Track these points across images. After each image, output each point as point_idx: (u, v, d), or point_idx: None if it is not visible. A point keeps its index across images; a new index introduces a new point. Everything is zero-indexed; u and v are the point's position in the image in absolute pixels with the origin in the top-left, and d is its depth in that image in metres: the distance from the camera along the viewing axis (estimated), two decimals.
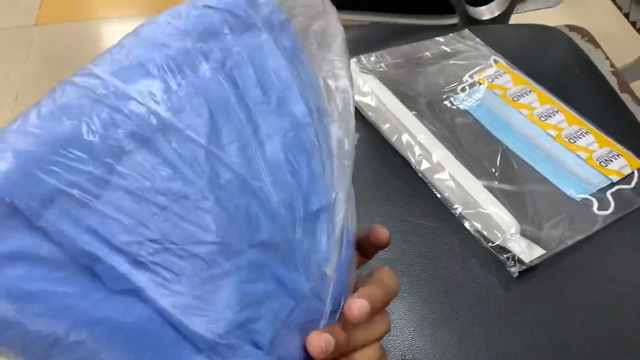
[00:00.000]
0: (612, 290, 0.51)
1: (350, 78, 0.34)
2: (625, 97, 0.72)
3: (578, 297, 0.50)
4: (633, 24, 0.73)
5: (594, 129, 0.63)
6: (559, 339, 0.47)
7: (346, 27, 0.78)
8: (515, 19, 0.88)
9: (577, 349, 0.47)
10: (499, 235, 0.52)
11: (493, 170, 0.58)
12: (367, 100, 0.63)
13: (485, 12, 0.81)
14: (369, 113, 0.63)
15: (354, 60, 0.67)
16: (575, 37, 0.80)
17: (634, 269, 0.53)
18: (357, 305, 0.29)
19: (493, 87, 0.67)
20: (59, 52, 1.44)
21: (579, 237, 0.53)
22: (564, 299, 0.50)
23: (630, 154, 0.61)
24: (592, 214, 0.55)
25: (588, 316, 0.49)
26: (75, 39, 1.48)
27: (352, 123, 0.33)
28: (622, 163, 0.60)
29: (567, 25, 0.83)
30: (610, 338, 0.48)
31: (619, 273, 0.53)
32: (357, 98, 0.64)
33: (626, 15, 0.74)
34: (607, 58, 0.78)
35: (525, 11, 0.87)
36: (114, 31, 1.52)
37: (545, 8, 0.87)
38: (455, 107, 0.64)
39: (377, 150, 0.61)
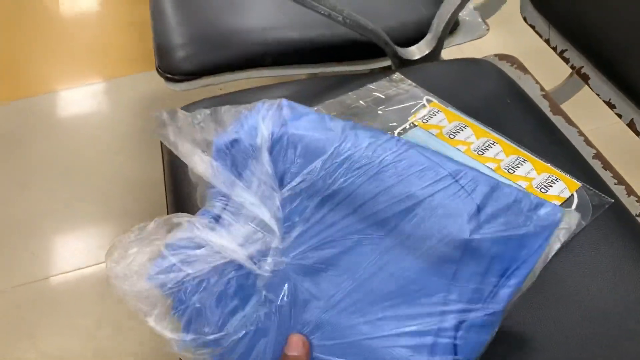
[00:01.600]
0: (572, 321, 0.51)
1: None
2: (557, 119, 0.75)
3: (538, 337, 0.51)
4: (554, 48, 0.76)
5: (530, 156, 0.65)
6: None
7: (283, 84, 0.80)
8: (450, 52, 0.92)
9: None
10: None
11: None
12: None
13: (416, 52, 0.83)
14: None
15: None
16: (505, 66, 0.83)
17: (593, 294, 0.53)
18: None
19: (428, 127, 0.68)
20: (5, 133, 1.43)
21: None
22: (525, 341, 0.50)
23: (567, 176, 0.63)
24: None
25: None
26: (21, 116, 1.47)
27: None
28: (561, 187, 0.62)
29: (496, 55, 0.86)
30: None
31: (576, 301, 0.53)
32: None
33: (547, 42, 0.77)
34: (537, 83, 0.81)
35: (455, 45, 0.90)
36: (58, 104, 1.51)
37: (473, 39, 0.90)
38: None
39: None
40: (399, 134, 0.67)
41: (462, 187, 0.42)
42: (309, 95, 0.75)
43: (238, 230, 0.43)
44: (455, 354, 0.40)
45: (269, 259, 0.43)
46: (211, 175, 0.44)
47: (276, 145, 0.45)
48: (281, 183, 0.44)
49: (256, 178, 0.44)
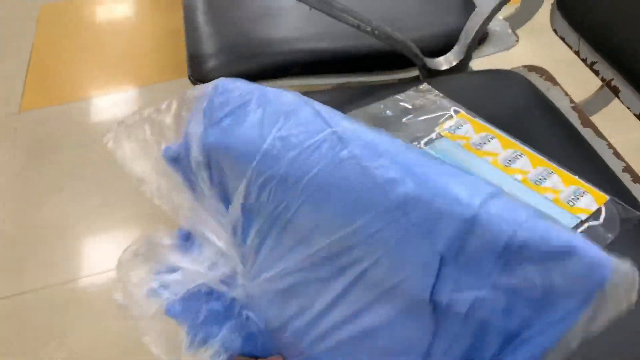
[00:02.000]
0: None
1: None
2: (587, 132, 0.74)
3: None
4: (584, 60, 0.76)
5: (558, 168, 0.65)
6: None
7: (312, 93, 0.81)
8: (479, 63, 0.91)
9: None
10: None
11: None
12: None
13: (444, 63, 0.84)
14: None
15: None
16: (534, 77, 0.83)
17: None
18: None
19: (455, 138, 0.68)
20: (42, 137, 1.48)
21: None
22: None
23: (595, 189, 0.62)
24: None
25: None
26: (58, 121, 1.52)
27: None
28: (588, 200, 0.61)
29: (525, 66, 0.86)
30: None
31: None
32: None
33: (577, 53, 0.77)
34: (567, 95, 0.80)
35: (484, 56, 0.90)
36: (93, 110, 1.56)
37: (502, 51, 0.90)
38: None
39: None
40: (426, 143, 0.68)
41: (414, 224, 0.29)
42: (336, 104, 0.75)
43: (207, 250, 0.40)
44: None
45: (239, 282, 0.39)
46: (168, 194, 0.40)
47: (212, 154, 0.37)
48: (228, 199, 0.37)
49: (206, 198, 0.38)
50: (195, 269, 0.39)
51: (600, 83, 0.78)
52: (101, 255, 1.20)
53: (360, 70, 0.87)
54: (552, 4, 0.82)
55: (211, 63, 0.84)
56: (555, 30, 0.82)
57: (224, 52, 0.84)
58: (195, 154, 0.37)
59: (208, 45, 0.85)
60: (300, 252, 0.34)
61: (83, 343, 1.04)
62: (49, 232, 1.23)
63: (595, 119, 0.80)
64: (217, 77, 0.84)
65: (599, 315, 0.27)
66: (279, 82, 0.84)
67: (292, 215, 0.34)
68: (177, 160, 0.38)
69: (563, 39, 0.80)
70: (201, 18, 0.90)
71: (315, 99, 0.79)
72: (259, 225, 0.36)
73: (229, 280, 0.39)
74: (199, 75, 0.85)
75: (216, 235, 0.39)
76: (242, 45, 0.84)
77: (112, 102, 1.57)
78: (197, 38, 0.87)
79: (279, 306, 0.36)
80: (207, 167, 0.37)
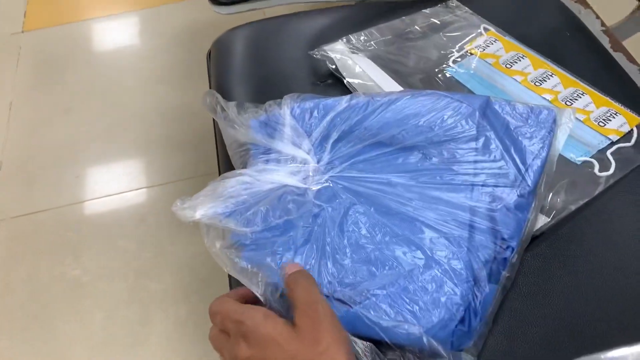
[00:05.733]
0: (616, 254, 0.51)
1: None
2: (618, 56, 0.72)
3: (583, 264, 0.51)
4: None
5: (590, 89, 0.63)
6: (564, 308, 0.48)
7: (334, 8, 0.77)
8: None
9: (581, 318, 0.48)
10: None
11: None
12: (360, 80, 0.63)
13: None
14: (363, 94, 0.62)
15: (343, 40, 0.67)
16: None
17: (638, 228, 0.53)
18: None
19: (485, 56, 0.66)
20: (48, 57, 1.44)
21: (582, 201, 0.53)
22: (569, 267, 0.50)
23: (628, 111, 0.61)
24: (594, 176, 0.55)
25: (592, 283, 0.49)
26: (63, 42, 1.48)
27: None
28: (620, 121, 0.60)
29: None
30: (614, 304, 0.48)
31: (623, 236, 0.53)
32: (351, 80, 0.63)
33: None
34: (598, 17, 0.77)
35: None
36: (99, 31, 1.51)
37: None
38: (448, 80, 0.64)
39: None
40: (455, 61, 0.66)
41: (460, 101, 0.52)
42: (360, 20, 0.73)
43: (282, 170, 0.52)
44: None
45: (313, 178, 0.51)
46: (253, 138, 0.54)
47: (294, 116, 0.55)
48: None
49: (286, 133, 0.54)
50: (277, 177, 0.51)
51: (633, 7, 0.75)
52: (113, 177, 1.19)
53: None
54: None
55: None
56: None
57: None
58: (284, 113, 0.54)
59: None
60: (374, 145, 0.52)
61: (97, 262, 1.05)
62: (61, 153, 1.22)
63: (626, 44, 0.77)
64: None
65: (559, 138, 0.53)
66: None
67: (369, 124, 0.53)
68: (263, 124, 0.55)
69: None
70: None
71: (338, 15, 0.77)
72: (336, 136, 0.53)
73: (303, 182, 0.51)
74: None
75: (296, 151, 0.53)
76: None
77: (116, 24, 1.52)
78: None
79: (352, 188, 0.51)
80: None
